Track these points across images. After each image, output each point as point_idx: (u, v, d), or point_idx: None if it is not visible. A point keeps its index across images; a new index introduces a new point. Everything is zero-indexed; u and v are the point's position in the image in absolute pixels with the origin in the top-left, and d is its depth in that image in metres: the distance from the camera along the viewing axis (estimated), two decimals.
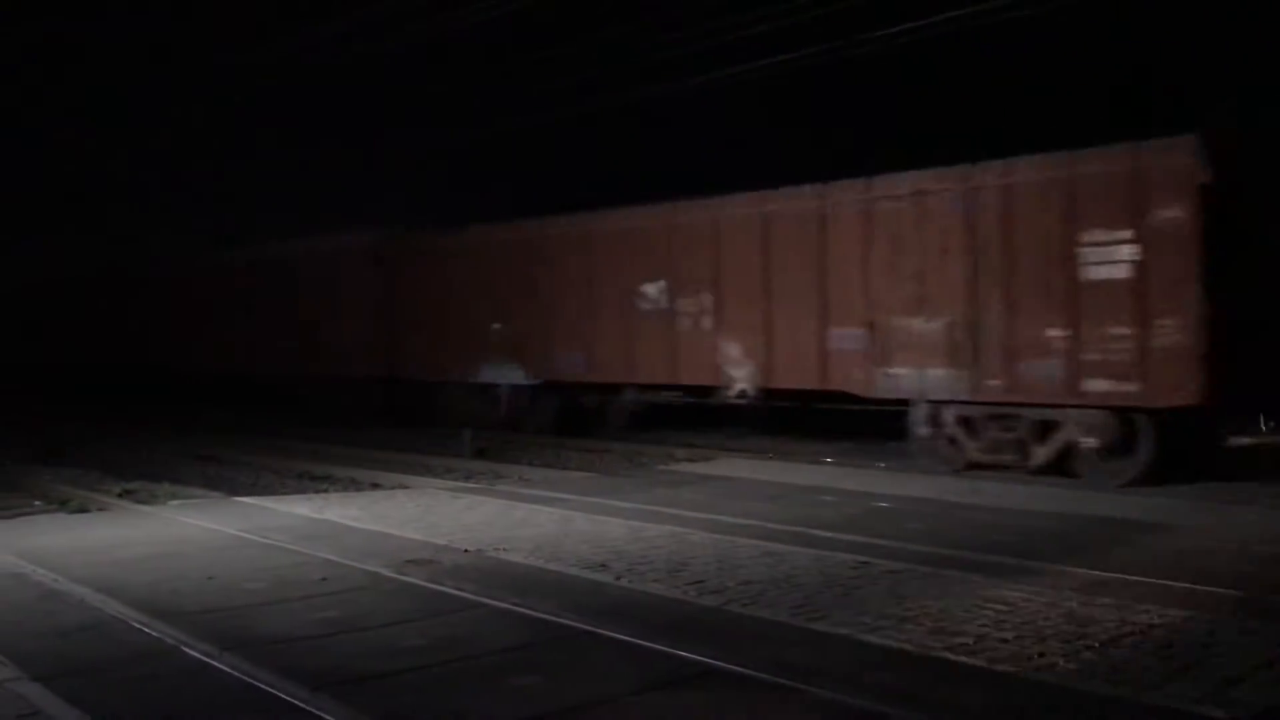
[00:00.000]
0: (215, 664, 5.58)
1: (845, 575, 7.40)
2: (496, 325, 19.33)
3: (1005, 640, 5.79)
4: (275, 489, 13.40)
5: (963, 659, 5.51)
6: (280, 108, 28.61)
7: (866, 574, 7.42)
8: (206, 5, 27.67)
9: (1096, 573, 7.33)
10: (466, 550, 8.46)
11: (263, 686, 5.19)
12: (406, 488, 12.75)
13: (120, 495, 12.35)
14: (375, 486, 13.31)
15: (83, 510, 11.28)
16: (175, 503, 11.51)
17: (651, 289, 16.72)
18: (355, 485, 13.67)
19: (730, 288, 15.62)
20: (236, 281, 26.25)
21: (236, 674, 5.40)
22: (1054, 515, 9.80)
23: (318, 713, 4.83)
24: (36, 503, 12.21)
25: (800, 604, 6.64)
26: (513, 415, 19.37)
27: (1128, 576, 7.19)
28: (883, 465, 13.68)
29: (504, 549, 8.47)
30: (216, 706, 5.01)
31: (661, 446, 16.71)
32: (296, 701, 4.97)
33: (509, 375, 19.16)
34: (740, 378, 15.49)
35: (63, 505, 11.75)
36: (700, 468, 13.86)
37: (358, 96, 27.31)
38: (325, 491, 13.01)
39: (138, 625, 6.29)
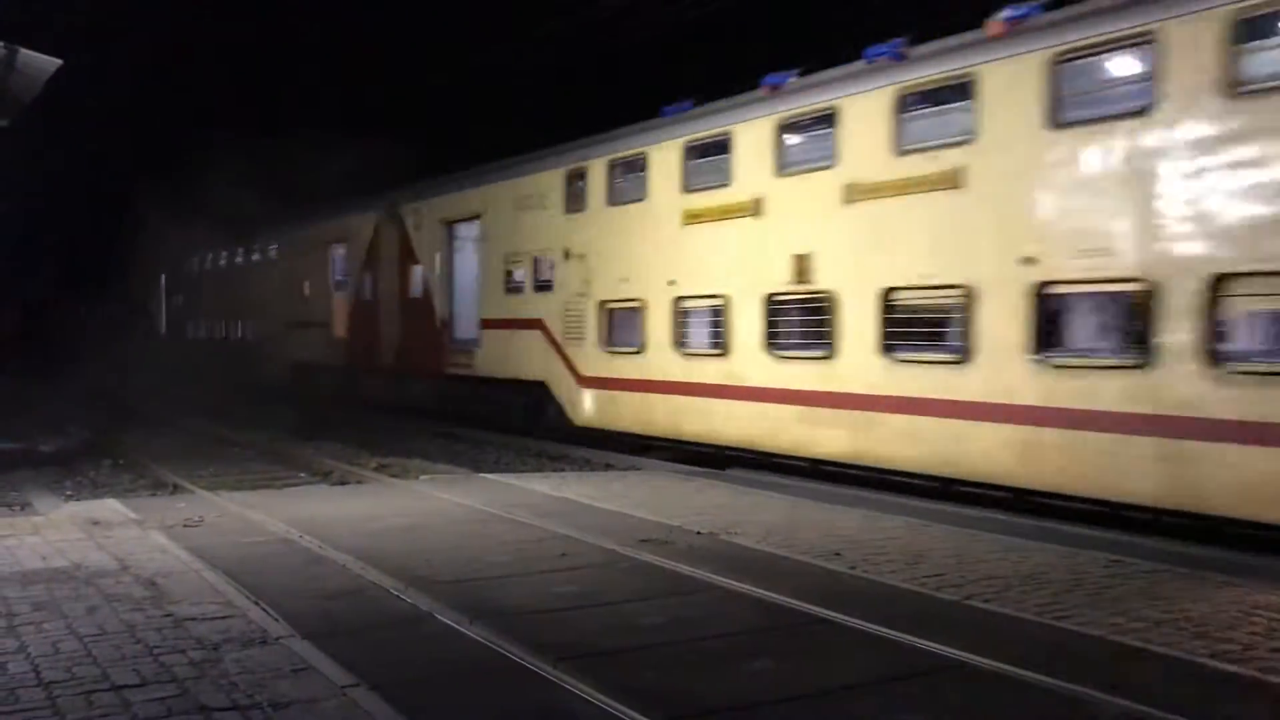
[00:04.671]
0: (465, 631, 5.86)
1: None
2: None
3: None
4: (515, 467, 13.92)
5: None
6: None
7: None
8: None
9: None
10: (699, 533, 8.56)
11: (510, 655, 5.41)
12: (639, 469, 12.99)
13: (376, 469, 13.14)
14: (609, 467, 13.62)
15: (343, 483, 12.10)
16: (425, 477, 12.16)
17: None
18: (590, 465, 14.03)
19: None
20: None
21: (484, 642, 5.65)
22: None
23: (562, 683, 4.99)
24: (302, 474, 13.15)
25: (1047, 602, 6.39)
26: None
27: None
28: None
29: (736, 533, 8.52)
30: (466, 673, 5.26)
31: None
32: (541, 671, 5.16)
33: None
34: None
35: (325, 477, 12.62)
36: None
37: None
38: (562, 471, 13.42)
39: (394, 592, 6.68)
